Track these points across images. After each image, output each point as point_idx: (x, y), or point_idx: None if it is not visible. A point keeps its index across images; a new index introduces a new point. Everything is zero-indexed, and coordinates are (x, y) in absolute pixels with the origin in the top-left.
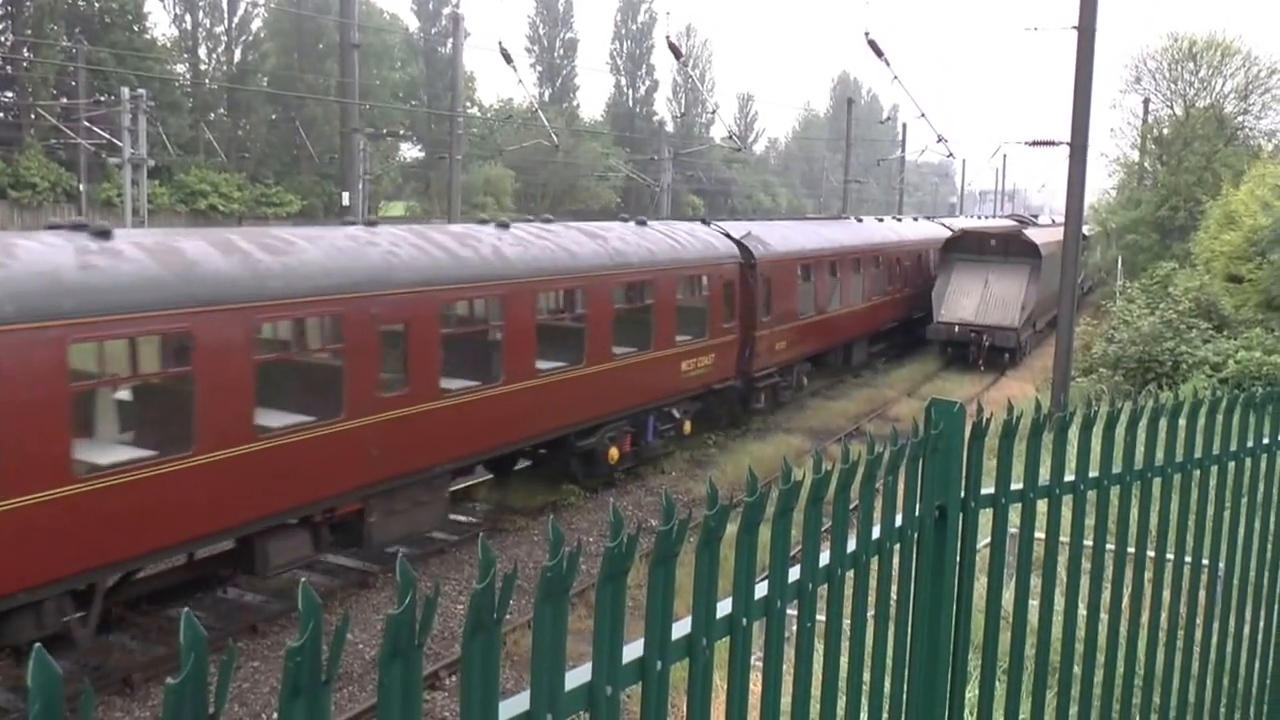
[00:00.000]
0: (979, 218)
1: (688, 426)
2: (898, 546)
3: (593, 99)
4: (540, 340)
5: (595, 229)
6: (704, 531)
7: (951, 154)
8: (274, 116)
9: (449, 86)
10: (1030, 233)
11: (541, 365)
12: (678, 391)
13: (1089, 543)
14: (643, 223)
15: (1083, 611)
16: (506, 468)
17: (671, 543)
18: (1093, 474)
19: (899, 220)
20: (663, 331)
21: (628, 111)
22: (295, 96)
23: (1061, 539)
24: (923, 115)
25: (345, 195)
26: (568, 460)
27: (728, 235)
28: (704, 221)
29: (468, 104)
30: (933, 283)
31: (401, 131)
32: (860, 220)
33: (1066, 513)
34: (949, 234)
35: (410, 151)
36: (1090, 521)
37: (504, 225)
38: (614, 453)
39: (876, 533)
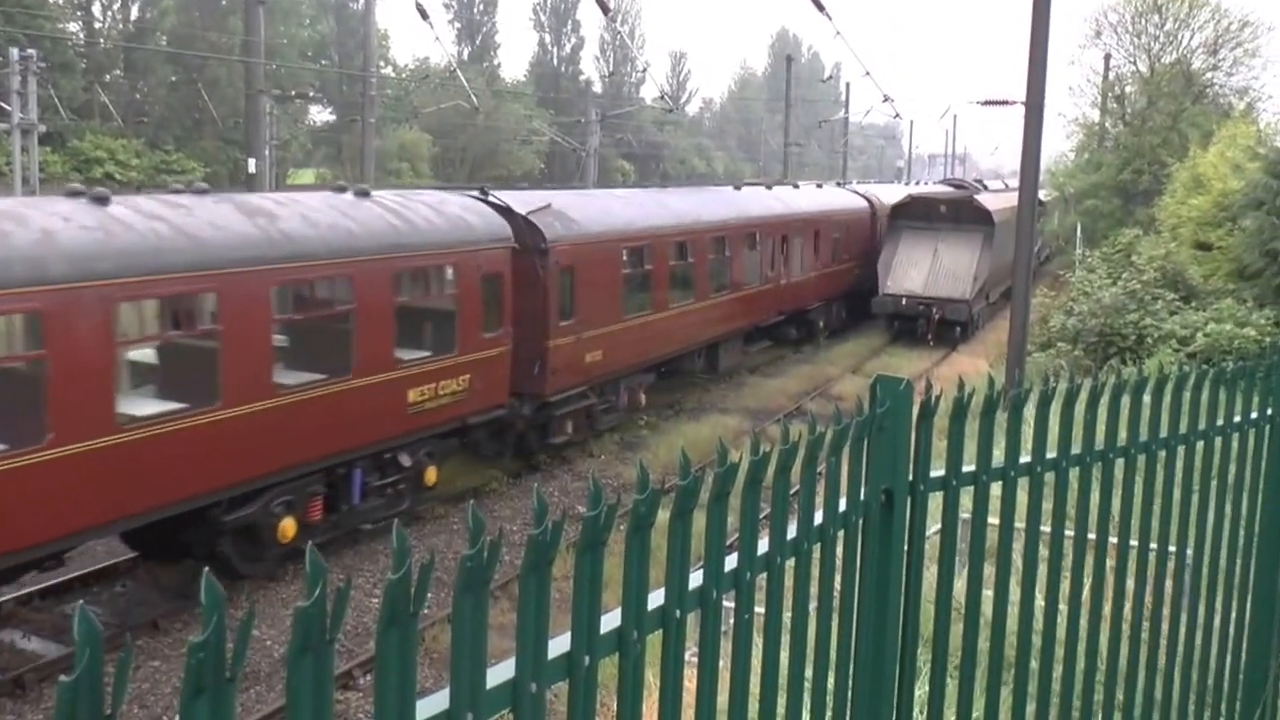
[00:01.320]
0: (919, 183)
1: (431, 475)
2: (841, 533)
3: (515, 58)
4: (134, 374)
5: (258, 202)
6: (633, 518)
7: (898, 115)
8: (174, 78)
9: (361, 45)
10: (982, 198)
11: (135, 410)
12: (405, 431)
13: (1046, 529)
14: (364, 194)
15: (1040, 602)
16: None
17: (599, 529)
18: (1050, 455)
19: (817, 188)
20: (370, 348)
21: (552, 71)
22: (197, 56)
23: (1017, 525)
24: (867, 74)
25: (251, 162)
26: (213, 541)
27: (503, 209)
28: (481, 191)
29: (381, 64)
30: (852, 265)
31: (311, 93)
32: (769, 188)
33: (1023, 497)
34: (866, 203)
35: (320, 115)
36: (1048, 506)
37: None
38: (288, 526)
39: (819, 518)
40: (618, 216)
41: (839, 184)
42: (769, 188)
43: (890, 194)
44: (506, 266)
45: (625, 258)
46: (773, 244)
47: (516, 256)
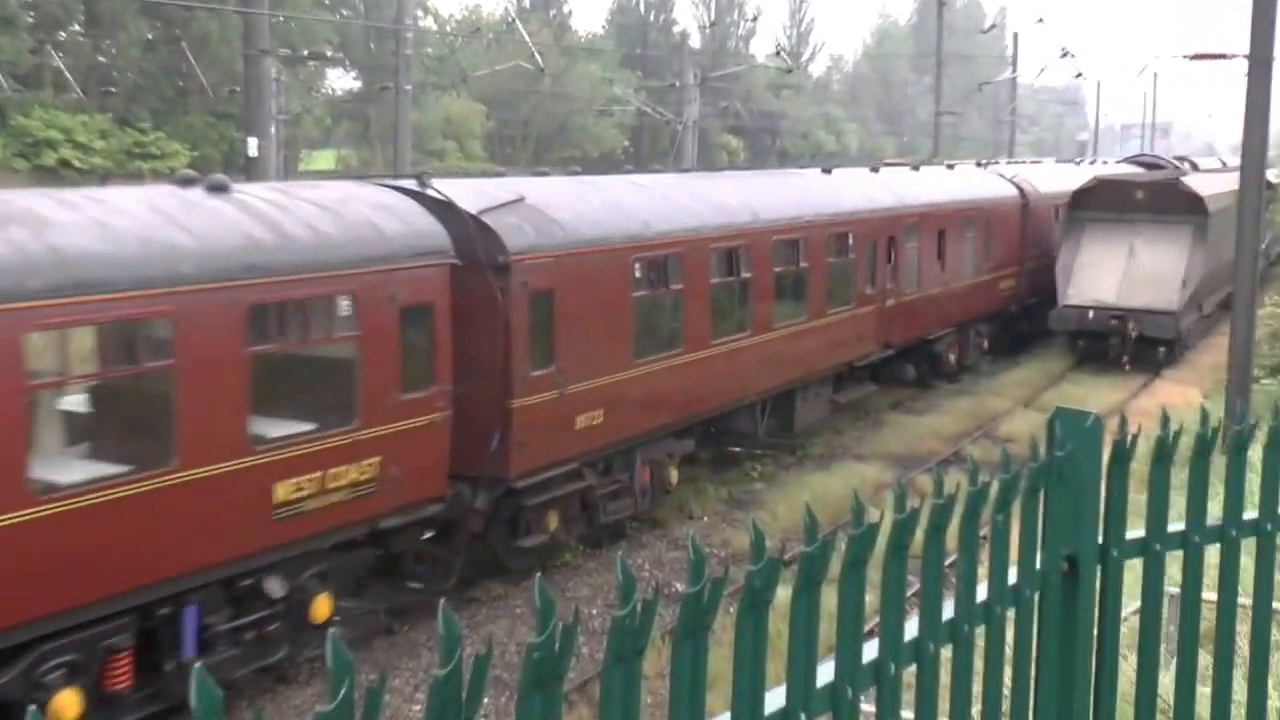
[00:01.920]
0: (1101, 161)
1: (321, 608)
2: (1012, 612)
3: (591, 6)
4: None
5: (23, 203)
6: (746, 595)
7: (1081, 74)
8: (150, 35)
9: None
10: (1192, 181)
11: None
12: (269, 545)
13: None
14: (220, 188)
15: (1276, 703)
16: None
17: (702, 610)
18: None
19: (947, 170)
20: (206, 422)
21: (638, 22)
22: (180, 6)
23: (1242, 600)
24: (1040, 21)
25: (251, 142)
26: None
27: (443, 205)
28: (419, 180)
29: (420, 14)
30: (995, 275)
31: (329, 53)
32: (916, 169)
33: (1248, 563)
34: (1015, 190)
35: (341, 80)
36: None
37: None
38: (66, 704)
39: (983, 594)
40: (628, 214)
41: (980, 164)
42: (916, 169)
43: (1052, 176)
44: (441, 292)
45: (639, 274)
46: (874, 249)
47: (461, 277)
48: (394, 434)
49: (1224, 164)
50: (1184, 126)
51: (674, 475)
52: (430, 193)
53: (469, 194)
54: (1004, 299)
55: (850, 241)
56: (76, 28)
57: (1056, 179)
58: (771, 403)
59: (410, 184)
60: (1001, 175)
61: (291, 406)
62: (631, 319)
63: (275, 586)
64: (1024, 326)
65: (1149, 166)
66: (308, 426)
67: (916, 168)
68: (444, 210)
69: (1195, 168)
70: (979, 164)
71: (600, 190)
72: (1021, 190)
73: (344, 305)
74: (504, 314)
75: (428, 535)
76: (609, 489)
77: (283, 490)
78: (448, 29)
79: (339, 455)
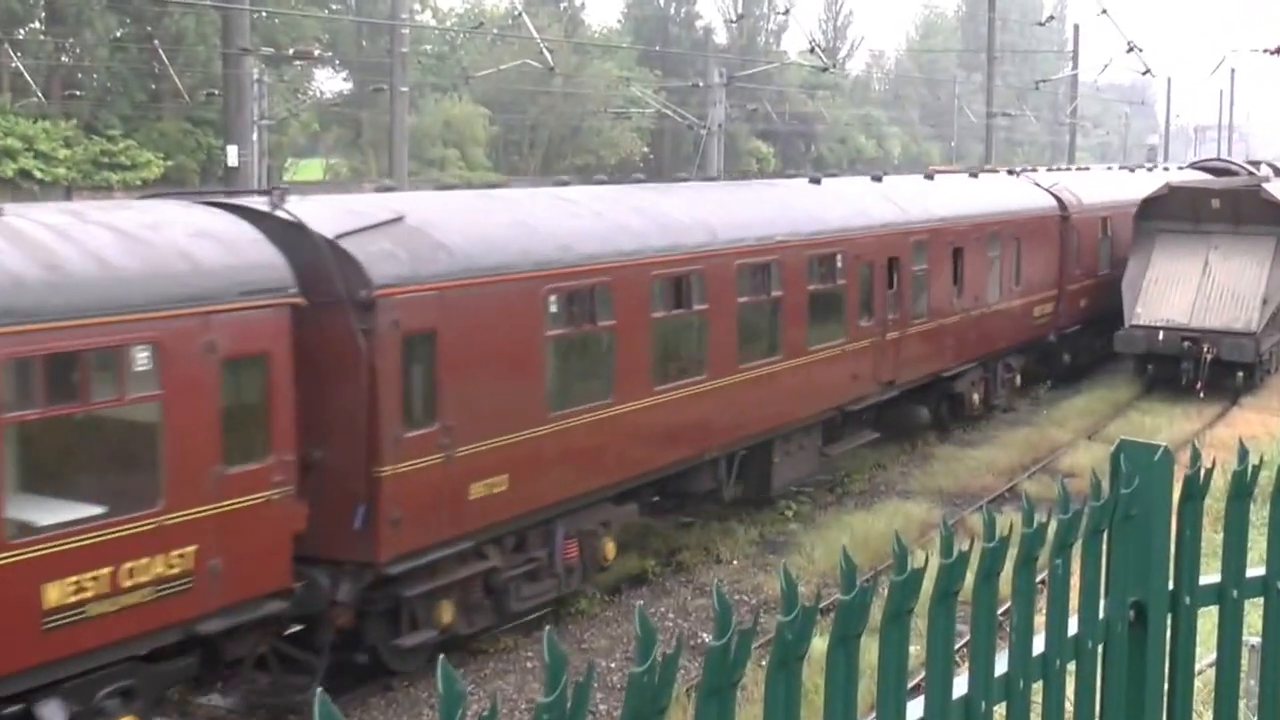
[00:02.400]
0: (1158, 167)
1: None
2: (1072, 665)
3: None
4: None
5: None
6: (777, 648)
7: (1149, 71)
8: (119, 33)
9: None
10: (1274, 188)
11: None
12: (37, 663)
13: None
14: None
15: None
16: None
17: (728, 665)
18: None
19: (970, 179)
20: None
21: (658, 15)
22: (153, 3)
23: None
24: (1104, 12)
25: (231, 151)
26: None
27: (293, 228)
28: (274, 197)
29: (417, 8)
30: (1030, 300)
31: (317, 52)
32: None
33: None
34: (1054, 201)
35: (331, 82)
36: None
37: None
38: None
39: (1040, 645)
40: (542, 235)
41: (1012, 171)
42: (974, 175)
43: (1099, 185)
44: (279, 339)
45: (556, 308)
46: (870, 273)
47: (314, 317)
48: (215, 516)
49: None
50: (1265, 129)
51: (610, 548)
52: (279, 214)
53: (331, 214)
54: (1040, 327)
55: (839, 264)
56: (37, 25)
57: (1105, 188)
58: (742, 458)
59: (260, 202)
60: (1037, 184)
61: (70, 486)
62: (545, 364)
63: (53, 713)
64: (1066, 358)
65: (1219, 173)
66: (93, 510)
67: (975, 174)
68: (292, 235)
69: (1277, 173)
70: (1010, 171)
71: (510, 206)
72: (1061, 201)
73: (141, 358)
74: (368, 361)
75: (290, 631)
76: (522, 569)
77: (56, 592)
78: (447, 24)
79: (137, 545)
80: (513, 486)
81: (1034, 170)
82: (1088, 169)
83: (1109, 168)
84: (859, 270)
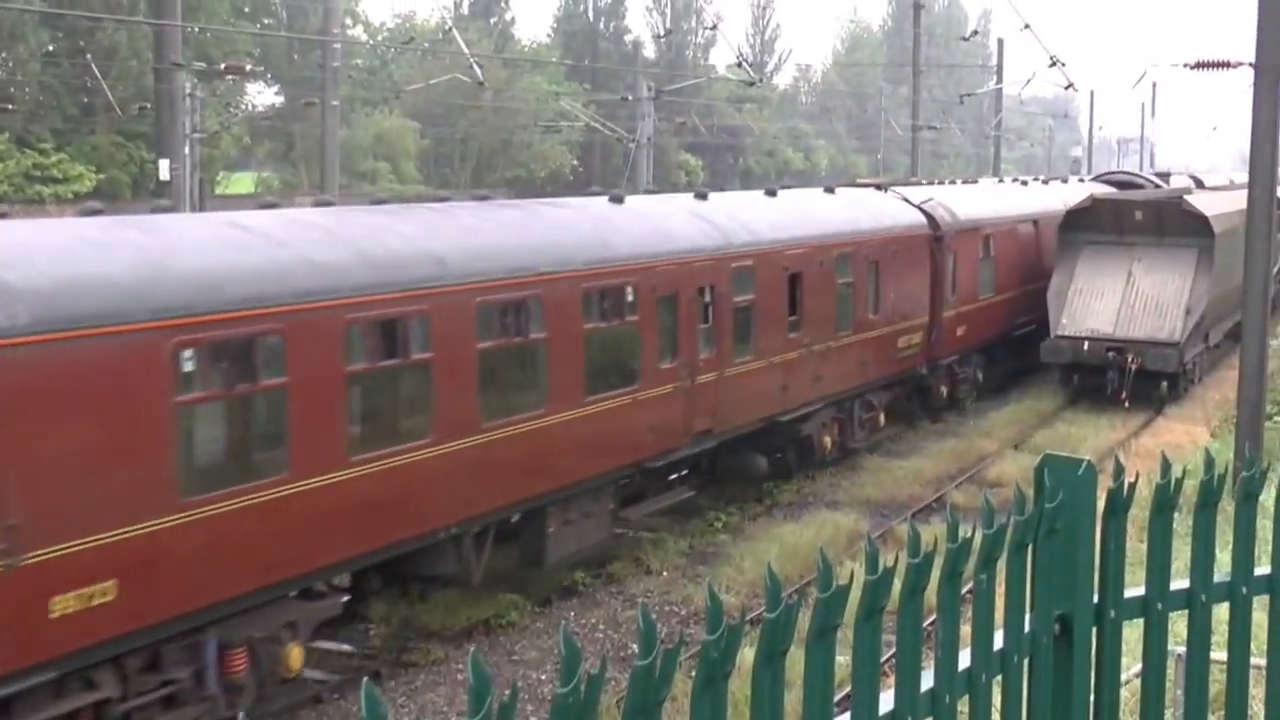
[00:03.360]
0: (1062, 180)
1: None
2: (999, 679)
3: (534, 11)
4: None
5: None
6: (703, 665)
7: (1072, 85)
8: (51, 47)
9: None
10: (1197, 200)
11: None
12: None
13: None
14: None
15: None
16: None
17: (653, 685)
18: None
19: (826, 194)
20: None
21: (587, 30)
22: (85, 17)
23: (1255, 661)
24: (1027, 27)
25: (163, 164)
26: None
27: None
28: None
29: (348, 22)
30: (893, 330)
31: (248, 66)
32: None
33: (1261, 620)
34: (923, 218)
35: (263, 95)
36: None
37: None
38: None
39: (966, 660)
40: (176, 273)
41: (880, 186)
42: (830, 191)
43: (983, 200)
44: None
45: (191, 366)
46: (674, 306)
47: None
48: None
49: (1230, 181)
50: (1185, 140)
51: (295, 655)
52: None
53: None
54: (907, 360)
55: (630, 298)
56: None
57: (988, 203)
58: (517, 525)
59: None
60: (906, 200)
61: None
62: (175, 436)
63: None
64: (943, 390)
65: (1123, 185)
66: None
67: (831, 190)
68: None
69: (1200, 184)
70: (878, 186)
71: (148, 236)
72: (933, 219)
73: None
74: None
75: None
76: (153, 695)
77: None
78: (378, 39)
79: None
80: (124, 595)
81: (924, 183)
82: (974, 182)
83: (971, 181)
84: (658, 304)
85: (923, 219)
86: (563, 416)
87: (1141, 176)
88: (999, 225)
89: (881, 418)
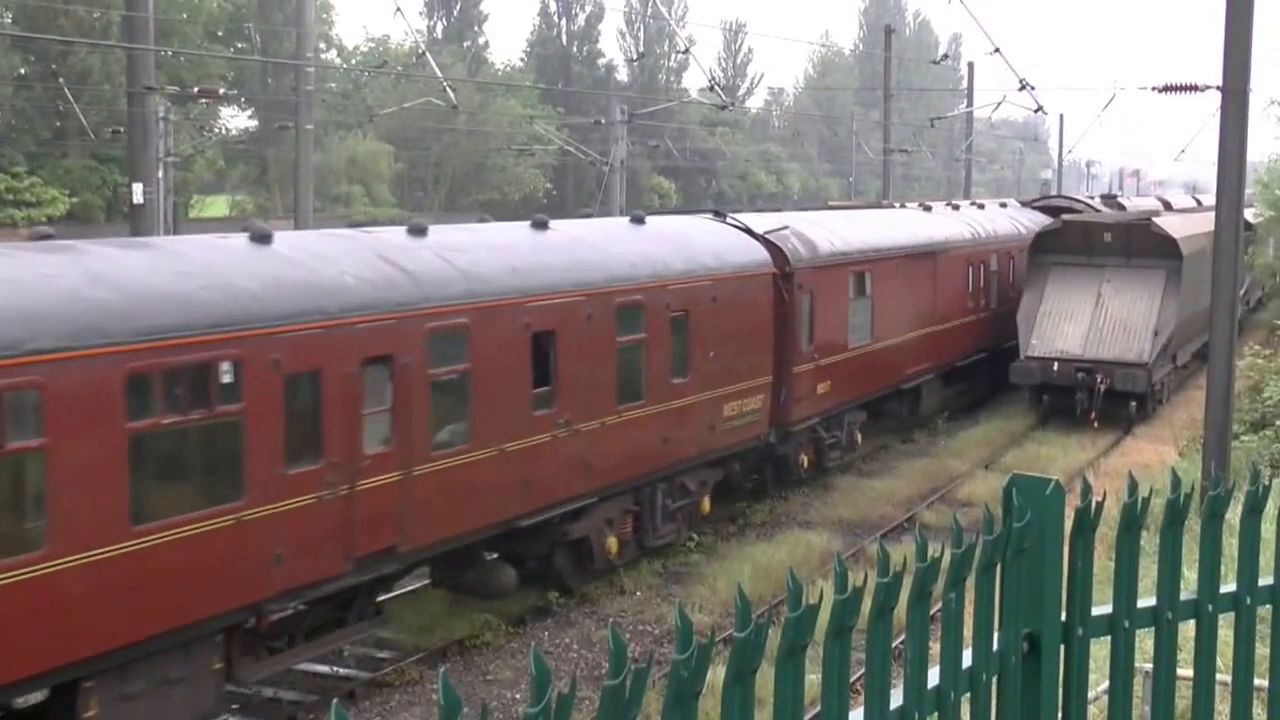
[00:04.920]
0: (975, 204)
1: None
2: (968, 697)
3: (508, 34)
4: None
5: None
6: (673, 685)
7: (1041, 109)
8: (24, 70)
9: (292, 20)
10: (1165, 221)
11: None
12: None
13: (1263, 682)
14: None
15: None
16: None
17: (623, 705)
18: (1266, 581)
19: (634, 225)
20: None
21: (560, 53)
22: (57, 41)
23: (1221, 677)
24: (996, 51)
25: (136, 188)
26: None
27: None
28: None
29: (322, 46)
30: (733, 390)
31: (222, 89)
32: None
33: (1226, 635)
34: (765, 254)
35: (237, 119)
36: (1265, 651)
37: None
38: None
39: (935, 678)
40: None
41: (719, 214)
42: (639, 221)
43: (856, 229)
44: None
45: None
46: (317, 390)
47: None
48: None
49: (1199, 203)
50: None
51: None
52: None
53: None
54: (740, 430)
55: (229, 380)
56: None
57: (867, 233)
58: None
59: None
60: (747, 230)
61: None
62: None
63: None
64: (803, 460)
65: (1059, 210)
66: None
67: (640, 220)
68: None
69: (1168, 206)
70: (716, 213)
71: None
72: (781, 253)
73: None
74: None
75: None
76: None
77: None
78: (352, 63)
79: None
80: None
81: (785, 210)
82: (851, 209)
83: (850, 207)
84: (285, 388)
85: (764, 254)
86: (86, 557)
87: (1080, 201)
88: (880, 259)
89: (706, 502)
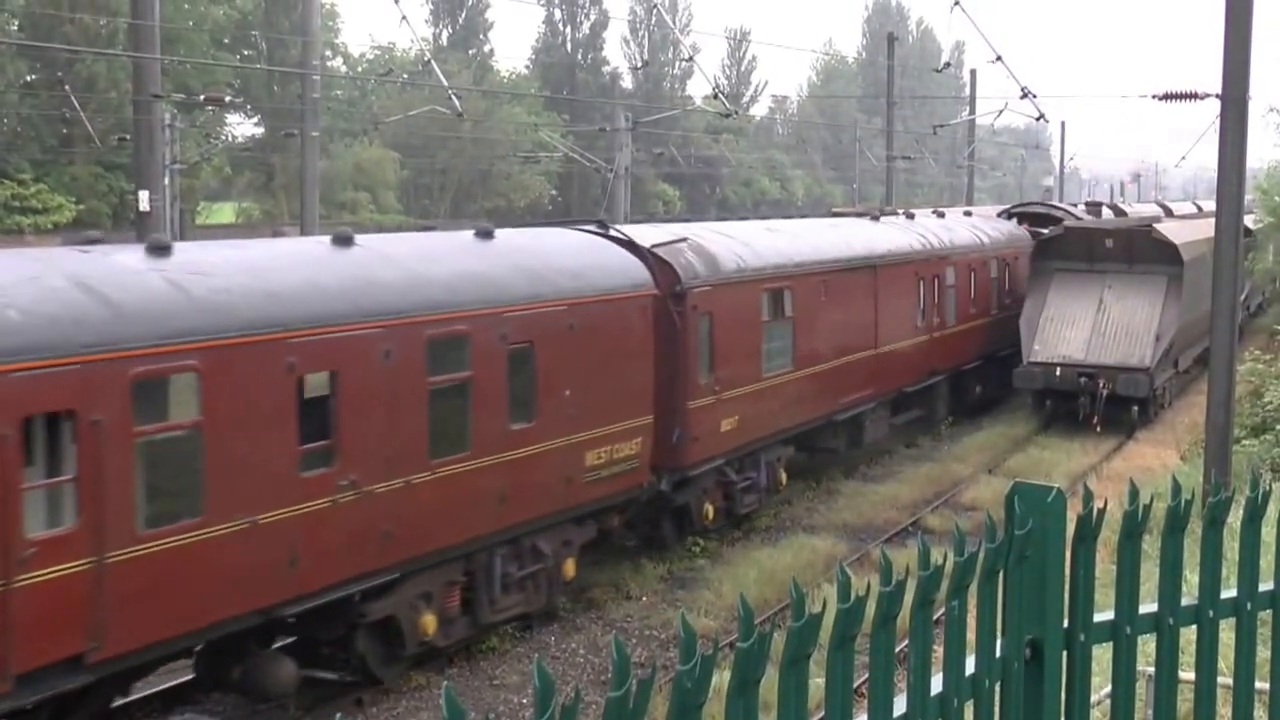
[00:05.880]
0: (938, 213)
1: None
2: (971, 704)
3: (513, 43)
4: None
5: None
6: (676, 696)
7: (1044, 116)
8: (30, 78)
9: (298, 28)
10: (1166, 228)
11: None
12: None
13: (1264, 685)
14: None
15: None
16: None
17: (628, 715)
18: (1267, 586)
19: (477, 241)
20: None
21: (565, 61)
22: (64, 50)
23: (1222, 681)
24: (998, 59)
25: (143, 196)
26: None
27: None
28: None
29: (328, 54)
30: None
31: (228, 97)
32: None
33: (1228, 639)
34: (645, 272)
35: (243, 127)
36: (1266, 654)
37: None
38: None
39: (938, 685)
40: None
41: (602, 225)
42: (485, 236)
43: (772, 241)
44: None
45: None
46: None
47: None
48: None
49: (1199, 209)
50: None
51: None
52: None
53: None
54: (611, 480)
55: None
56: None
57: (789, 246)
58: None
59: None
60: (633, 243)
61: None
62: None
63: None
64: (707, 510)
65: (1039, 218)
66: None
67: (486, 234)
68: None
69: (1169, 213)
70: (601, 225)
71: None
72: (672, 271)
73: None
74: None
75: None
76: None
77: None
78: (359, 70)
79: None
80: None
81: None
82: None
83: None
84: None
85: (643, 273)
86: None
87: (1060, 208)
88: (804, 274)
89: (571, 565)
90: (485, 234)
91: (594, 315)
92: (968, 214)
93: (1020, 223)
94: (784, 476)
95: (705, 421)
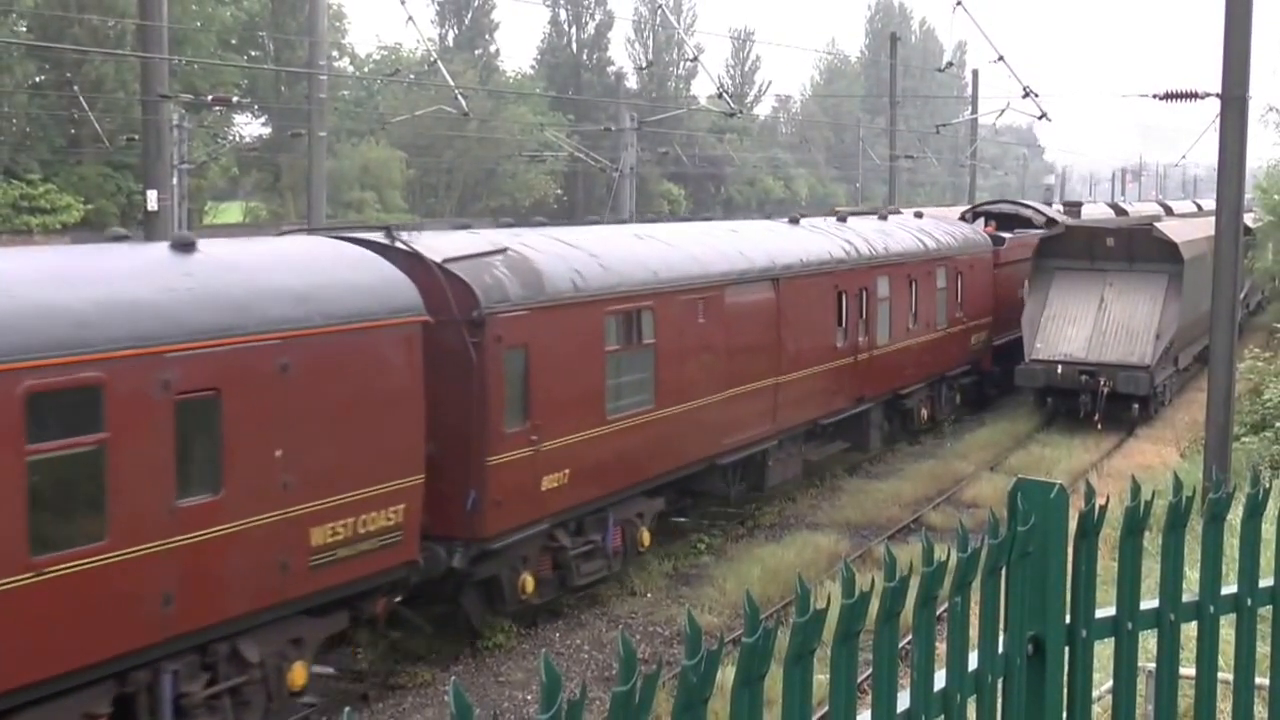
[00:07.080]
0: (883, 216)
1: None
2: (973, 700)
3: (519, 43)
4: None
5: None
6: (682, 692)
7: (1045, 115)
8: (39, 78)
9: (305, 29)
10: (1166, 226)
11: None
12: None
13: (1264, 681)
14: None
15: None
16: None
17: (634, 710)
18: (1267, 583)
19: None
20: None
21: (570, 61)
22: (73, 51)
23: (1222, 676)
24: (1000, 59)
25: (151, 195)
26: None
27: None
28: None
29: (335, 55)
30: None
31: (236, 97)
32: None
33: (1228, 635)
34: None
35: (250, 127)
36: (1266, 650)
37: None
38: None
39: (941, 681)
40: None
41: (389, 233)
42: (186, 248)
43: (627, 251)
44: None
45: None
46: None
47: None
48: None
49: (1199, 208)
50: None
51: (300, 673)
52: None
53: None
54: (351, 565)
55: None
56: None
57: (652, 256)
58: None
59: None
60: (418, 258)
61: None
62: None
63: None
64: (524, 586)
65: (1005, 217)
66: None
67: (186, 246)
68: None
69: (1169, 211)
70: (389, 231)
71: None
72: (470, 293)
73: None
74: None
75: None
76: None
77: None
78: (365, 70)
79: None
80: None
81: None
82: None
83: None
84: None
85: (411, 296)
86: None
87: (1030, 206)
88: (670, 291)
89: (299, 670)
90: (184, 246)
91: (323, 351)
92: (919, 215)
93: (987, 223)
94: (646, 536)
95: (514, 480)
